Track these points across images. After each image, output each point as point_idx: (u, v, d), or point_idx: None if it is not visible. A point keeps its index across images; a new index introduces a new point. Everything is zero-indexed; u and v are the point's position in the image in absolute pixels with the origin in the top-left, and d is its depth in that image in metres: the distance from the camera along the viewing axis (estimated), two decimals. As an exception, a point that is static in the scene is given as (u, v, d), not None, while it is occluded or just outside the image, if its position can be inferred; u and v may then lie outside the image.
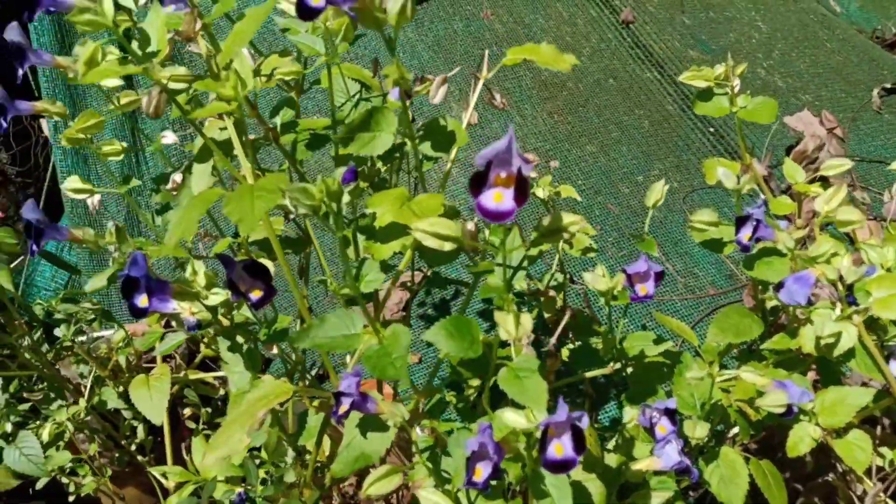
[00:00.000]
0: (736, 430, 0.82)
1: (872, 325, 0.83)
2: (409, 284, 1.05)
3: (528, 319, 0.50)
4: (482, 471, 0.52)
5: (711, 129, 2.01)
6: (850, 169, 2.14)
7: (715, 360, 0.82)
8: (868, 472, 0.77)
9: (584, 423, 0.49)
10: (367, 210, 0.57)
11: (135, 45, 0.57)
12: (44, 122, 1.10)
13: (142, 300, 0.61)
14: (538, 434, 0.50)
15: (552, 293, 0.82)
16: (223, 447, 0.59)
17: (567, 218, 0.48)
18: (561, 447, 0.50)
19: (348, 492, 1.16)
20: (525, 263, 0.57)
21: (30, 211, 0.68)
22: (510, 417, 0.54)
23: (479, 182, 0.43)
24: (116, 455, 1.33)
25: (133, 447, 1.32)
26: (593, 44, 2.21)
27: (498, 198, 0.43)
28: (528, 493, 0.56)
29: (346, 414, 0.58)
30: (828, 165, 0.89)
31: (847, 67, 2.31)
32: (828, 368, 0.77)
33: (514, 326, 0.50)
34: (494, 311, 0.51)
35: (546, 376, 0.56)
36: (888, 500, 0.75)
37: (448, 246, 0.48)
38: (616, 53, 2.19)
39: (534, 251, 0.84)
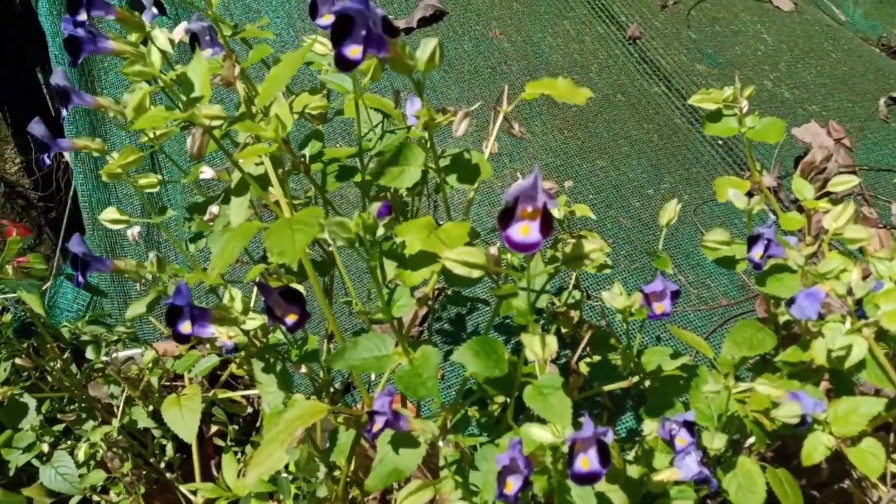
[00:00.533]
0: (752, 439, 0.84)
1: (883, 336, 0.86)
2: (428, 302, 1.08)
3: (553, 341, 0.54)
4: (513, 484, 0.55)
5: (720, 142, 2.04)
6: (859, 178, 2.16)
7: (730, 373, 0.85)
8: (882, 479, 0.80)
9: (609, 438, 0.52)
10: (397, 238, 0.61)
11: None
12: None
13: (185, 326, 0.65)
14: (565, 449, 0.53)
15: (571, 312, 0.85)
16: (264, 464, 0.62)
17: (588, 245, 0.51)
18: (587, 461, 0.53)
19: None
20: (546, 287, 0.60)
21: (76, 245, 0.72)
22: (536, 433, 0.57)
23: (507, 216, 0.47)
24: (144, 473, 1.37)
25: (162, 465, 1.35)
26: (601, 60, 2.25)
27: (525, 231, 0.46)
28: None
29: (381, 431, 0.61)
30: (835, 182, 0.92)
31: (853, 77, 2.33)
32: (840, 379, 0.79)
33: (540, 348, 0.53)
34: (521, 332, 0.54)
35: (569, 393, 0.59)
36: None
37: (476, 273, 0.52)
38: (624, 69, 2.23)
39: (550, 269, 0.88)
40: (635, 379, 0.82)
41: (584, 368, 0.93)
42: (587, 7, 2.40)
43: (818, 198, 1.74)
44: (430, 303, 1.05)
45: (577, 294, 0.88)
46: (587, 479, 0.53)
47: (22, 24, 2.47)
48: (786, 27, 2.52)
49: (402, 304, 0.63)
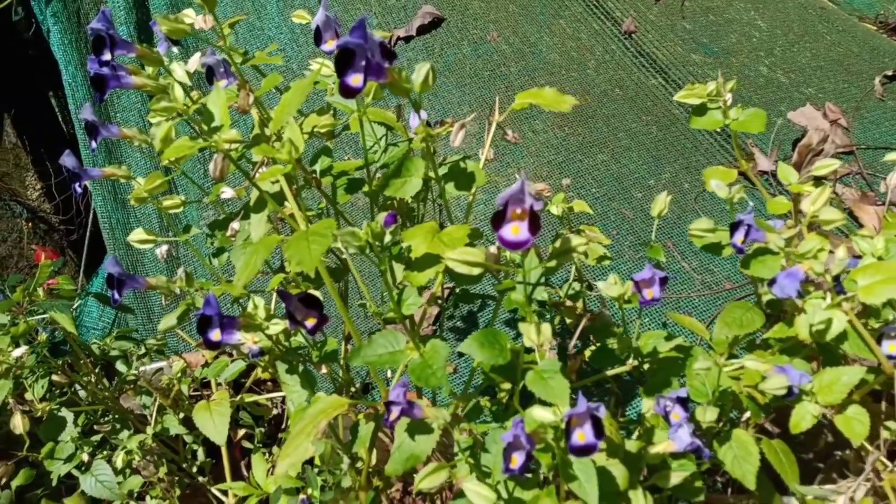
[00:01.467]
0: (748, 413, 0.89)
1: (867, 310, 0.91)
2: (438, 301, 1.14)
3: (547, 328, 0.59)
4: (517, 459, 0.61)
5: (718, 130, 2.08)
6: (857, 156, 2.19)
7: (724, 352, 0.91)
8: (878, 446, 0.85)
9: (602, 412, 0.58)
10: (403, 243, 0.67)
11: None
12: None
13: (215, 334, 0.71)
14: (563, 425, 0.59)
15: (569, 302, 0.91)
16: (292, 455, 0.68)
17: (575, 240, 0.57)
18: (583, 434, 0.59)
19: (395, 497, 1.25)
20: (542, 279, 0.66)
21: (112, 266, 0.78)
22: (538, 413, 0.63)
23: (499, 218, 0.52)
24: (178, 478, 1.44)
25: (194, 469, 1.42)
26: (598, 56, 2.30)
27: (515, 231, 0.52)
28: (560, 478, 0.65)
29: (397, 419, 0.67)
30: (819, 166, 0.97)
31: (848, 58, 2.36)
32: (828, 352, 0.84)
33: (535, 334, 0.59)
34: (519, 322, 0.60)
35: (567, 376, 0.65)
36: (888, 462, 0.82)
37: (476, 271, 0.58)
38: (621, 63, 2.27)
39: (551, 264, 0.94)
40: (635, 362, 0.87)
41: (589, 356, 0.99)
42: (582, 5, 2.45)
43: (817, 180, 1.80)
44: (440, 302, 1.11)
45: (576, 285, 0.93)
46: (584, 450, 0.59)
47: (35, 52, 2.56)
48: (780, 12, 2.55)
49: (410, 303, 0.69)
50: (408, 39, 2.27)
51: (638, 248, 1.80)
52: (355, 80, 0.55)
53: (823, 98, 2.19)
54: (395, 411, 0.66)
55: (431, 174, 0.68)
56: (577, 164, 2.01)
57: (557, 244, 0.58)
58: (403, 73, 0.58)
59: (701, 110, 0.98)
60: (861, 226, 1.89)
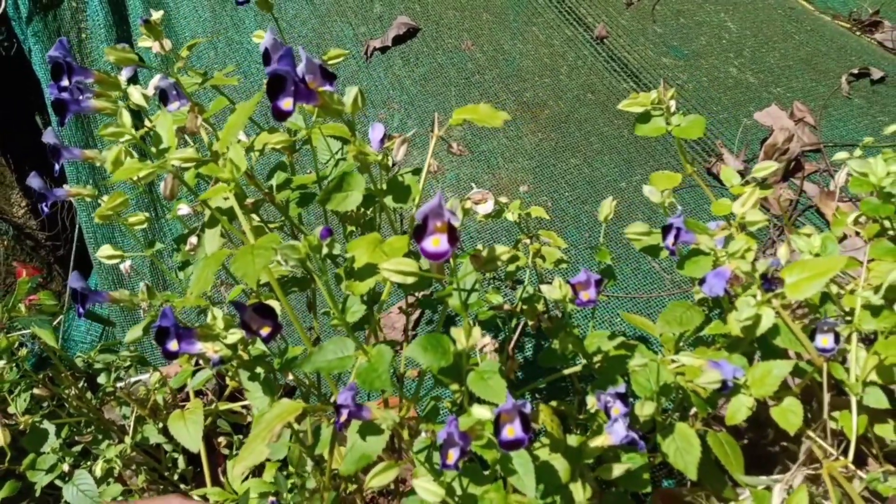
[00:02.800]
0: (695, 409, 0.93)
1: (809, 307, 0.95)
2: (406, 309, 1.18)
3: (477, 332, 0.63)
4: (453, 455, 0.64)
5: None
6: (823, 154, 2.23)
7: (671, 349, 0.94)
8: (808, 436, 0.88)
9: (528, 409, 0.62)
10: (347, 254, 0.70)
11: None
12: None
13: (172, 345, 0.75)
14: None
15: (523, 306, 0.94)
16: (248, 458, 0.72)
17: (499, 249, 0.61)
18: (512, 430, 0.63)
19: (368, 496, 1.29)
20: (477, 287, 0.70)
21: (75, 280, 0.82)
22: (478, 412, 0.67)
23: (420, 231, 0.56)
24: (161, 487, 1.47)
25: (175, 477, 1.46)
26: (570, 62, 2.34)
27: (436, 242, 0.56)
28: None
29: (347, 422, 0.70)
30: (758, 168, 1.01)
31: (816, 57, 2.41)
32: (766, 347, 0.88)
33: (465, 338, 0.63)
34: (451, 328, 0.64)
35: (505, 376, 0.69)
36: (831, 450, 0.86)
37: (410, 279, 0.61)
38: (593, 69, 2.32)
39: (512, 267, 0.97)
40: (584, 362, 0.91)
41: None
42: (554, 11, 2.49)
43: (782, 177, 1.83)
44: (407, 309, 1.15)
45: (530, 289, 0.97)
46: (513, 444, 0.63)
47: (22, 71, 2.59)
48: (749, 14, 2.60)
49: (354, 311, 0.73)
50: (384, 50, 2.32)
51: (610, 249, 1.83)
52: (286, 104, 0.59)
53: (792, 97, 2.23)
54: (344, 414, 0.70)
55: (371, 188, 0.72)
56: (550, 169, 2.05)
57: (485, 253, 0.62)
58: (335, 97, 0.62)
59: (645, 118, 1.02)
60: (828, 222, 1.93)
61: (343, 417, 0.70)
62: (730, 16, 2.60)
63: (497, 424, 0.63)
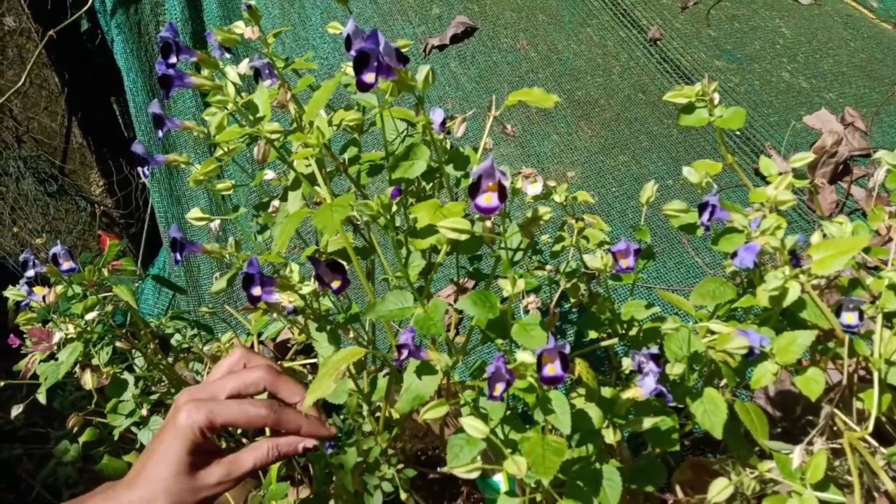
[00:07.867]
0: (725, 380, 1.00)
1: (839, 289, 1.01)
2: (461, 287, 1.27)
3: (521, 282, 0.72)
4: (499, 388, 0.73)
5: (737, 133, 2.16)
6: (872, 159, 2.25)
7: (703, 319, 1.02)
8: (830, 400, 0.95)
9: (567, 349, 0.70)
10: (411, 217, 0.80)
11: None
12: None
13: (256, 290, 0.86)
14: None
15: (566, 282, 1.02)
16: (318, 391, 0.82)
17: (542, 210, 0.70)
18: (553, 368, 0.71)
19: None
20: (524, 246, 0.79)
21: (175, 231, 0.94)
22: (522, 356, 0.75)
23: (474, 189, 0.66)
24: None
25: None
26: (623, 62, 2.40)
27: (488, 199, 0.65)
28: (542, 415, 0.77)
29: (407, 359, 0.80)
30: (794, 159, 1.07)
31: (871, 64, 2.41)
32: (794, 321, 0.94)
33: (511, 286, 0.72)
34: (499, 279, 0.73)
35: (546, 328, 0.77)
36: (854, 425, 0.92)
37: (464, 237, 0.71)
38: (645, 69, 2.37)
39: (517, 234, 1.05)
40: (622, 332, 0.99)
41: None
42: (609, 13, 2.55)
43: (830, 183, 1.88)
44: (461, 287, 1.24)
45: (573, 264, 1.05)
46: (553, 380, 0.71)
47: (101, 60, 2.79)
48: (804, 20, 2.61)
49: (415, 265, 0.83)
50: (442, 48, 2.42)
51: (653, 243, 1.89)
52: (369, 77, 0.69)
53: (844, 103, 2.25)
54: (405, 352, 0.80)
55: (434, 159, 0.82)
56: (598, 165, 2.12)
57: (529, 214, 0.70)
58: (409, 73, 0.72)
59: (689, 109, 1.09)
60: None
61: (403, 356, 0.79)
62: (785, 22, 2.62)
63: (539, 364, 0.71)
